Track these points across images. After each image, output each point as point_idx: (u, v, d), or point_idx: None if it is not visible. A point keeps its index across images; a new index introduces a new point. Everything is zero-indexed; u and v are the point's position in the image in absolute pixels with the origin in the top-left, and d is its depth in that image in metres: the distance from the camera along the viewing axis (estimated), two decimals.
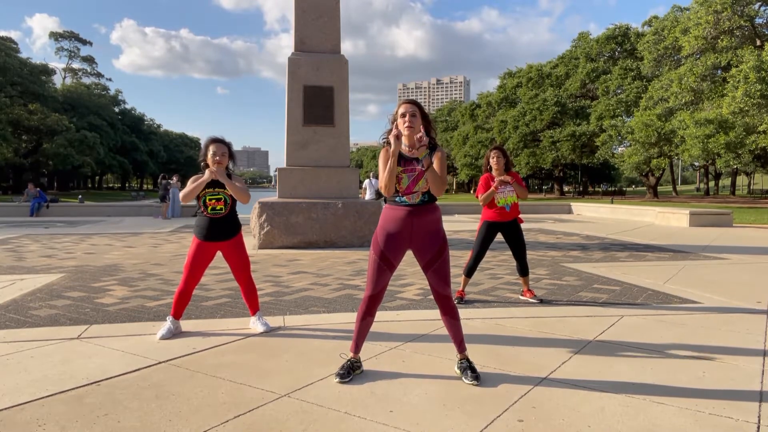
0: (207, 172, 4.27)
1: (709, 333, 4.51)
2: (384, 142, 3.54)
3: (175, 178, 20.10)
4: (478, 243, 5.67)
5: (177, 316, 4.36)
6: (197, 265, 4.31)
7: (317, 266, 7.87)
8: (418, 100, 3.41)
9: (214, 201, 4.29)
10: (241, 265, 4.44)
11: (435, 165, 3.33)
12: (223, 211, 4.30)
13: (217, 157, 4.30)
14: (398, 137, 3.29)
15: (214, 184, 4.31)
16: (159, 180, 21.11)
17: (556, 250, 10.03)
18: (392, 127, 3.44)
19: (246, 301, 4.55)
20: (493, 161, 5.59)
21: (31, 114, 47.31)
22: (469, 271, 5.69)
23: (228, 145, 4.43)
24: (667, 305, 5.51)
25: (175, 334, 4.31)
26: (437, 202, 3.50)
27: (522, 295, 5.79)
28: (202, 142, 4.58)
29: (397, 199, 3.41)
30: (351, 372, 3.43)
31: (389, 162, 3.30)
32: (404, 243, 3.42)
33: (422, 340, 4.22)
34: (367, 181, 18.52)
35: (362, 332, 3.52)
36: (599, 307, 5.39)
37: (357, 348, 3.52)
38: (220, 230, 4.30)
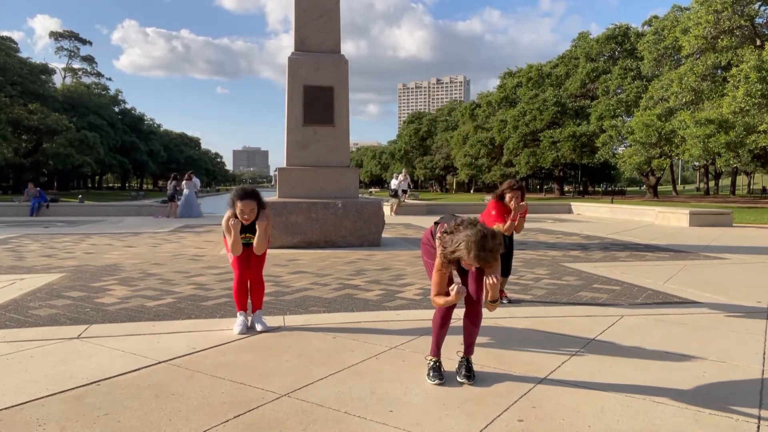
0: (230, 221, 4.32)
1: (709, 333, 4.51)
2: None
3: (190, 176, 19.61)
4: None
5: (244, 308, 4.52)
6: (243, 257, 4.49)
7: (317, 266, 7.87)
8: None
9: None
10: (256, 262, 4.55)
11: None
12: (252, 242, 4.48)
13: (245, 215, 4.30)
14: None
15: (245, 229, 4.38)
16: (170, 180, 20.50)
17: (556, 249, 10.03)
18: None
19: (251, 294, 4.57)
20: (510, 203, 5.34)
21: (31, 114, 47.28)
22: None
23: (257, 198, 4.35)
24: (667, 305, 5.51)
25: (249, 326, 4.49)
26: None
27: None
28: (229, 196, 4.43)
29: None
30: (440, 369, 3.42)
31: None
32: None
33: (422, 340, 4.22)
34: (393, 180, 24.96)
35: (441, 337, 3.48)
36: (599, 307, 5.39)
37: (438, 352, 3.48)
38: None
